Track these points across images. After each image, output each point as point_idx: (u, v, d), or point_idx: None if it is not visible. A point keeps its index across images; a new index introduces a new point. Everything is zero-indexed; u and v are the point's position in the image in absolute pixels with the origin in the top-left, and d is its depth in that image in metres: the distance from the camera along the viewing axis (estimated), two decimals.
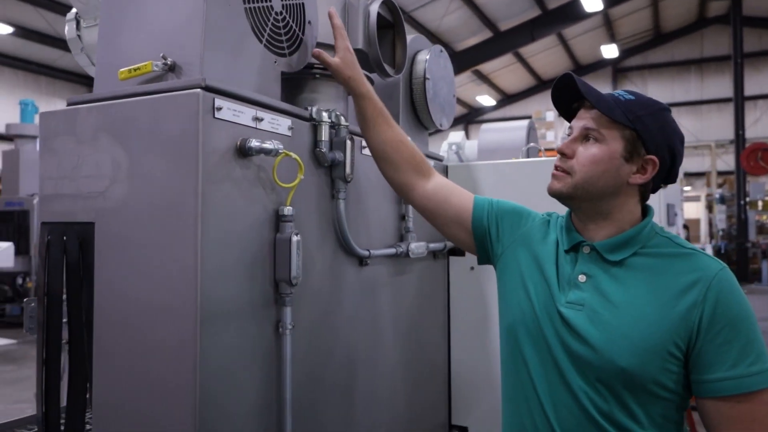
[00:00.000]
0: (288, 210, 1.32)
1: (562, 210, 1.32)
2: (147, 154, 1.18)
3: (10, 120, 9.78)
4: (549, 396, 1.18)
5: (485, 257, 1.43)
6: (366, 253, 1.66)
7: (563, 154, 1.20)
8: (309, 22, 1.53)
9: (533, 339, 1.23)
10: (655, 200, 4.95)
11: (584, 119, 1.19)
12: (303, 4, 1.51)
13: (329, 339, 1.54)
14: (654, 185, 1.20)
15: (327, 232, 1.54)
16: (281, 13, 1.43)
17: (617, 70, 19.79)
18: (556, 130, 12.79)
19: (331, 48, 1.69)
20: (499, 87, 19.80)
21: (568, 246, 1.24)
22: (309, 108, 1.47)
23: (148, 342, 1.17)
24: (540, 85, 20.02)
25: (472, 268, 2.23)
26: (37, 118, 7.75)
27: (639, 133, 1.16)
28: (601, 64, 19.30)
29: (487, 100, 19.78)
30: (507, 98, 20.74)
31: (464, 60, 15.32)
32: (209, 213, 1.14)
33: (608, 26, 16.79)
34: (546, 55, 17.84)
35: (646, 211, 1.23)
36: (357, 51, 1.76)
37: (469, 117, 21.17)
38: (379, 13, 1.84)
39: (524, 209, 1.41)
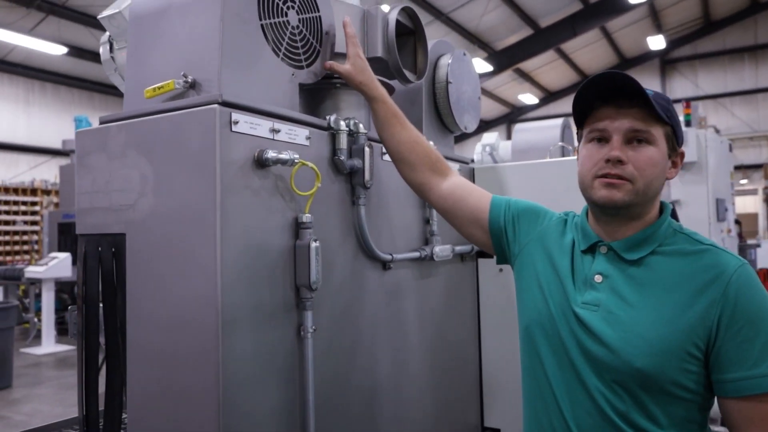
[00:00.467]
0: (306, 217, 1.36)
1: (579, 209, 1.31)
2: (170, 168, 1.25)
3: (67, 136, 10.28)
4: (566, 396, 1.18)
5: (503, 257, 1.44)
6: (389, 257, 1.69)
7: (620, 162, 1.12)
8: (326, 33, 1.58)
9: (549, 340, 1.22)
10: (702, 195, 4.78)
11: (623, 120, 1.13)
12: (320, 16, 1.55)
13: (353, 342, 1.58)
14: None
15: (349, 237, 1.58)
16: (297, 26, 1.48)
17: (665, 62, 19.17)
18: None
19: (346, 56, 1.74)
20: (542, 85, 19.50)
21: (585, 246, 1.23)
22: (327, 117, 1.52)
23: (174, 347, 1.23)
24: (583, 81, 19.55)
25: (501, 270, 2.22)
26: None
27: (674, 129, 1.15)
28: (648, 56, 18.75)
29: (529, 98, 19.51)
30: (550, 96, 20.40)
31: (505, 59, 15.19)
32: (229, 222, 1.20)
33: (654, 17, 16.29)
34: (589, 50, 17.46)
35: (662, 209, 1.22)
36: (376, 59, 1.80)
37: (511, 116, 20.93)
38: (399, 21, 1.88)
39: (541, 209, 1.40)
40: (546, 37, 14.72)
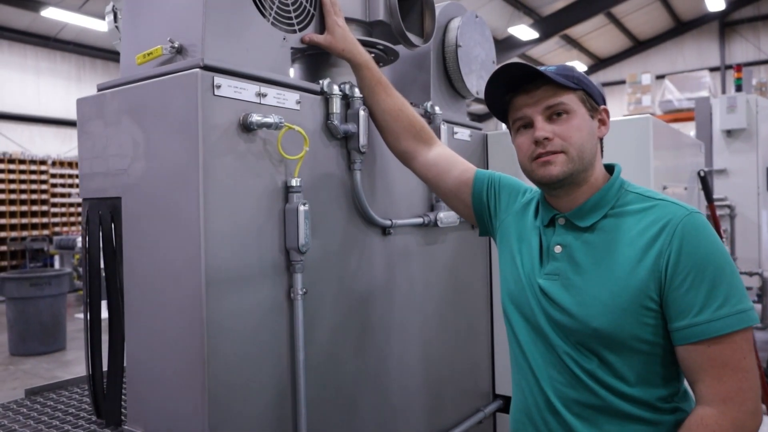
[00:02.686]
0: (295, 181, 1.37)
1: None
2: (158, 133, 1.28)
3: None
4: (540, 361, 1.24)
5: (485, 230, 1.50)
6: (388, 222, 1.69)
7: (546, 139, 1.18)
8: None
9: (522, 310, 1.28)
10: (752, 163, 4.57)
11: (537, 101, 1.19)
12: None
13: (351, 306, 1.59)
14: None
15: (345, 202, 1.58)
16: None
17: (725, 24, 18.09)
18: (653, 94, 12.00)
19: (349, 21, 1.72)
20: (591, 51, 18.78)
21: (547, 221, 1.28)
22: (320, 82, 1.51)
23: (165, 305, 1.27)
24: (636, 46, 18.77)
25: None
26: None
27: (587, 91, 1.20)
28: (706, 18, 17.71)
29: (578, 66, 18.82)
30: (600, 63, 19.63)
31: (552, 25, 14.66)
32: (213, 185, 1.22)
33: None
34: (642, 14, 16.65)
35: (612, 172, 1.25)
36: (378, 23, 1.78)
37: None
38: None
39: (521, 185, 1.45)
40: (595, 1, 14.09)
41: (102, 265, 1.43)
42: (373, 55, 1.81)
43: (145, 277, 1.32)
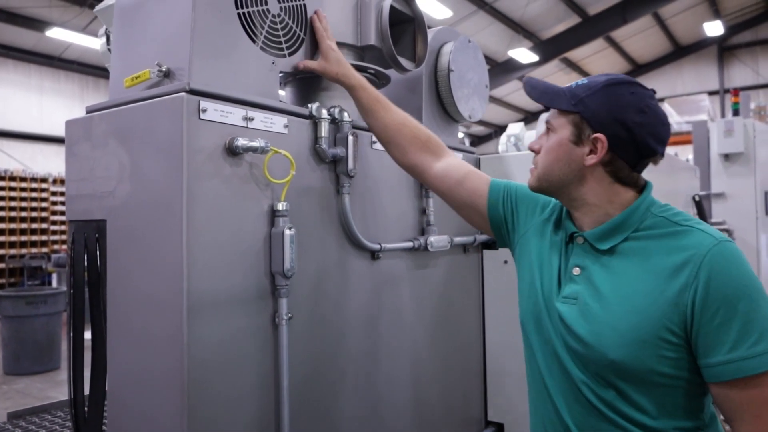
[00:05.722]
0: (282, 205, 1.36)
1: None
2: (144, 156, 1.27)
3: None
4: (557, 388, 1.19)
5: (503, 243, 1.44)
6: (377, 246, 1.68)
7: (532, 149, 1.24)
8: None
9: (539, 332, 1.23)
10: (750, 187, 4.58)
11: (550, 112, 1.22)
12: (304, 4, 1.55)
13: (339, 331, 1.57)
14: (633, 164, 1.14)
15: (334, 226, 1.57)
16: (279, 15, 1.47)
17: (723, 48, 18.26)
18: None
19: (340, 45, 1.73)
20: (590, 74, 18.89)
21: (566, 238, 1.23)
22: (309, 106, 1.51)
23: (147, 331, 1.26)
24: (635, 69, 18.92)
25: (506, 262, 2.18)
26: None
27: (582, 115, 1.14)
28: (704, 43, 17.89)
29: None
30: None
31: (552, 48, 14.81)
32: (197, 209, 1.21)
33: (711, 2, 15.52)
34: (641, 38, 16.81)
35: (642, 192, 1.18)
36: (370, 47, 1.79)
37: None
38: (398, 9, 1.85)
39: (539, 196, 1.37)
40: (594, 25, 14.24)
41: (86, 288, 1.42)
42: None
43: (127, 301, 1.31)
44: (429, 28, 1.98)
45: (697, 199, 2.75)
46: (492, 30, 14.18)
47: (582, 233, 1.19)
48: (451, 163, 1.47)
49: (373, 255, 1.70)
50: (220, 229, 1.26)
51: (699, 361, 1.04)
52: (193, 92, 1.23)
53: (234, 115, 1.30)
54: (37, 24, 11.36)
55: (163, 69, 1.30)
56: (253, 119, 1.34)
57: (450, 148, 2.08)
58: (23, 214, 11.81)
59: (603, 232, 1.15)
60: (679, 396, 1.07)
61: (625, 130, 1.12)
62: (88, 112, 1.44)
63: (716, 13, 16.03)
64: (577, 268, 1.17)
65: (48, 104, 13.82)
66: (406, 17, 1.92)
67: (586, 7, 14.19)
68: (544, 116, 3.78)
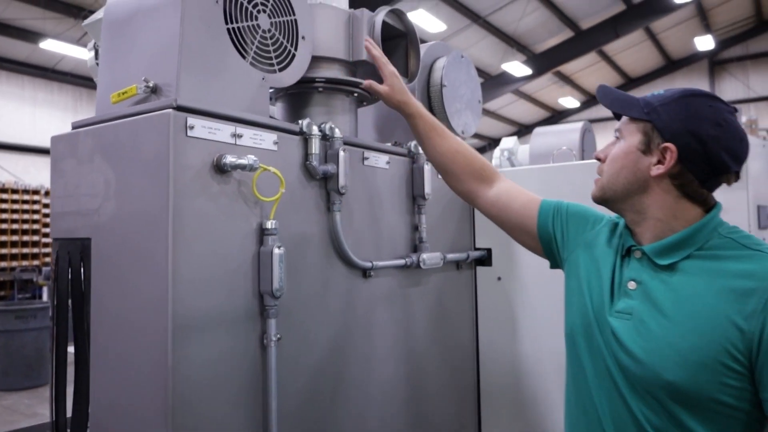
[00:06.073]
0: (271, 224, 1.34)
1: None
2: (130, 173, 1.25)
3: None
4: (606, 407, 1.14)
5: (554, 263, 1.41)
6: (368, 264, 1.65)
7: (597, 158, 1.22)
8: (303, 38, 1.55)
9: (589, 347, 1.19)
10: (743, 201, 4.54)
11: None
12: (295, 20, 1.53)
13: (329, 351, 1.54)
14: (703, 179, 1.09)
15: (324, 244, 1.55)
16: (269, 30, 1.46)
17: (714, 62, 18.44)
18: None
19: (332, 60, 1.72)
20: (583, 88, 19.04)
21: (623, 251, 1.20)
22: (300, 122, 1.49)
23: (131, 353, 1.22)
24: (628, 83, 19.06)
25: (499, 279, 2.15)
26: None
27: (654, 123, 1.12)
28: (696, 57, 18.05)
29: (570, 101, 19.10)
30: (592, 99, 19.86)
31: (544, 62, 14.90)
32: (183, 228, 1.18)
33: (702, 16, 15.68)
34: (633, 52, 16.95)
35: (710, 210, 1.13)
36: (362, 63, 1.77)
37: (552, 120, 20.51)
38: (390, 24, 1.84)
39: (591, 212, 1.37)
40: (587, 39, 14.36)
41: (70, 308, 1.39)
42: (355, 95, 1.80)
43: (112, 322, 1.27)
44: (422, 42, 1.97)
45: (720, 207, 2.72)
46: (486, 43, 14.27)
47: (641, 247, 1.15)
48: (502, 188, 1.47)
49: (365, 273, 1.67)
50: (207, 248, 1.24)
51: (761, 394, 0.99)
52: (180, 108, 1.21)
53: (222, 131, 1.28)
54: (31, 35, 11.33)
55: (150, 85, 1.27)
56: (241, 136, 1.32)
57: None
58: (14, 226, 11.70)
59: (665, 246, 1.11)
60: (737, 427, 1.02)
61: (697, 142, 1.07)
62: (74, 128, 1.41)
63: (707, 28, 16.20)
64: (633, 283, 1.14)
65: (41, 116, 13.76)
66: (398, 32, 1.91)
67: (578, 21, 14.31)
68: (543, 129, 3.78)
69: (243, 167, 1.26)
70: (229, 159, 1.24)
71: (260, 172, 1.31)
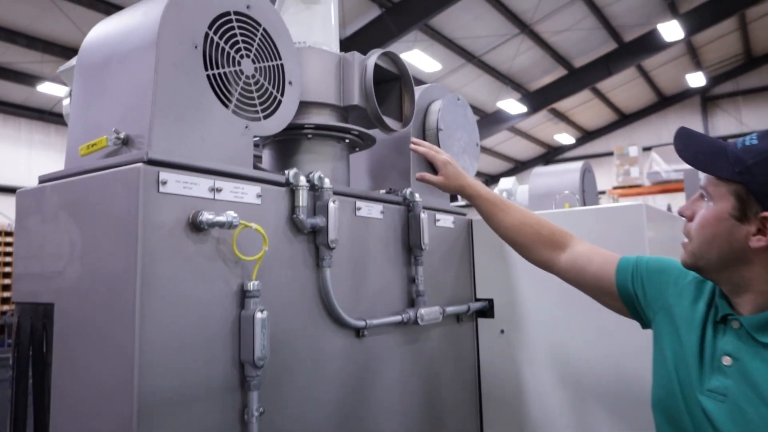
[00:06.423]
0: (252, 285, 1.22)
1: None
2: (96, 233, 1.13)
3: None
4: None
5: (643, 324, 1.28)
6: (362, 323, 1.52)
7: (683, 215, 1.08)
8: (290, 83, 1.47)
9: (675, 424, 1.06)
10: None
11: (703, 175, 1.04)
12: (281, 65, 1.44)
13: (320, 423, 1.40)
14: None
15: (313, 303, 1.42)
16: (253, 76, 1.37)
17: (707, 98, 18.63)
18: (640, 165, 12.12)
19: (322, 106, 1.63)
20: (578, 124, 19.17)
21: (717, 317, 1.06)
22: (286, 172, 1.39)
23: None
24: (622, 119, 19.21)
25: (503, 332, 2.02)
26: None
27: (748, 187, 0.96)
28: (688, 93, 18.24)
29: (565, 138, 19.19)
30: (587, 135, 20.01)
31: (539, 99, 15.03)
32: (152, 294, 1.06)
33: (692, 54, 15.91)
34: (626, 89, 17.13)
35: None
36: (353, 107, 1.68)
37: (548, 156, 20.59)
38: (383, 67, 1.76)
39: (673, 267, 1.21)
40: (580, 77, 14.52)
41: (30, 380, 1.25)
42: (347, 141, 1.71)
43: (74, 397, 1.14)
44: (418, 83, 1.89)
45: None
46: (480, 82, 14.40)
47: (739, 317, 1.01)
48: (577, 251, 1.37)
49: (358, 333, 1.55)
50: (180, 314, 1.11)
51: None
52: (151, 162, 1.10)
53: (199, 186, 1.17)
54: (29, 79, 11.38)
55: (121, 136, 1.17)
56: (221, 190, 1.21)
57: (440, 210, 1.97)
58: (7, 269, 11.52)
59: (766, 320, 0.97)
60: None
61: None
62: (40, 182, 1.30)
63: (698, 65, 16.42)
64: (728, 358, 1.00)
65: (37, 158, 13.71)
66: (391, 75, 1.83)
67: (571, 59, 14.49)
68: (542, 169, 3.68)
69: (221, 225, 1.14)
70: (206, 216, 1.13)
71: (241, 229, 1.20)
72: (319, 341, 1.43)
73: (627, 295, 1.25)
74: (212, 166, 1.21)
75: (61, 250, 1.20)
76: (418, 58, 11.29)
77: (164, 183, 1.10)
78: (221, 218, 1.14)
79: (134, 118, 1.18)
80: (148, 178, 1.08)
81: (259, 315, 1.20)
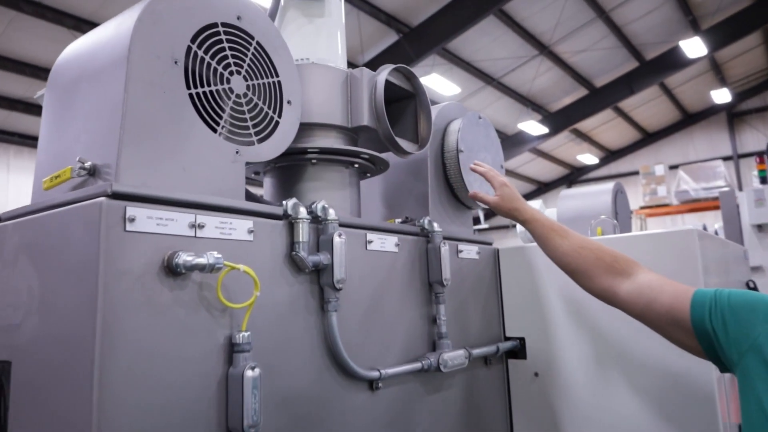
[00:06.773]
0: (242, 337, 1.03)
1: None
2: (55, 280, 0.96)
3: None
4: None
5: (722, 367, 1.12)
6: (375, 374, 1.32)
7: None
8: (288, 102, 1.30)
9: None
10: None
11: None
12: (279, 82, 1.28)
13: None
14: None
15: (317, 353, 1.23)
16: (246, 95, 1.20)
17: (733, 115, 18.18)
18: (668, 184, 11.76)
19: (328, 127, 1.46)
20: (601, 144, 18.83)
21: None
22: (284, 203, 1.21)
23: None
24: (646, 138, 18.83)
25: (536, 375, 1.80)
26: None
27: None
28: (713, 110, 17.82)
29: (588, 158, 18.85)
30: (611, 155, 19.64)
31: (561, 120, 14.82)
32: (117, 353, 0.88)
33: (716, 70, 15.56)
34: (649, 107, 16.80)
35: None
36: (363, 128, 1.51)
37: (572, 177, 20.23)
38: (396, 84, 1.59)
39: (762, 301, 1.07)
40: (602, 97, 14.30)
41: None
42: (356, 165, 1.53)
43: None
44: (434, 104, 1.71)
45: (751, 285, 2.37)
46: (501, 104, 14.24)
47: None
48: (642, 281, 1.26)
49: (372, 385, 1.34)
50: (152, 377, 0.92)
51: None
52: (116, 196, 0.93)
53: (176, 222, 0.99)
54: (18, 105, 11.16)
55: (87, 166, 1.00)
56: (203, 226, 1.03)
57: (462, 240, 1.77)
58: None
59: None
60: None
61: None
62: (2, 220, 1.14)
63: (722, 81, 16.05)
64: None
65: (16, 182, 13.06)
66: (406, 93, 1.66)
67: (592, 79, 14.27)
68: (570, 192, 3.45)
69: (202, 268, 0.96)
70: (184, 258, 0.95)
71: (227, 272, 1.02)
72: (326, 399, 1.23)
73: (704, 332, 1.11)
74: (192, 198, 1.03)
75: (19, 300, 1.03)
76: (437, 82, 11.19)
77: (132, 220, 0.92)
78: (202, 260, 0.96)
79: (101, 145, 1.01)
80: (112, 214, 0.91)
81: (249, 373, 1.01)
